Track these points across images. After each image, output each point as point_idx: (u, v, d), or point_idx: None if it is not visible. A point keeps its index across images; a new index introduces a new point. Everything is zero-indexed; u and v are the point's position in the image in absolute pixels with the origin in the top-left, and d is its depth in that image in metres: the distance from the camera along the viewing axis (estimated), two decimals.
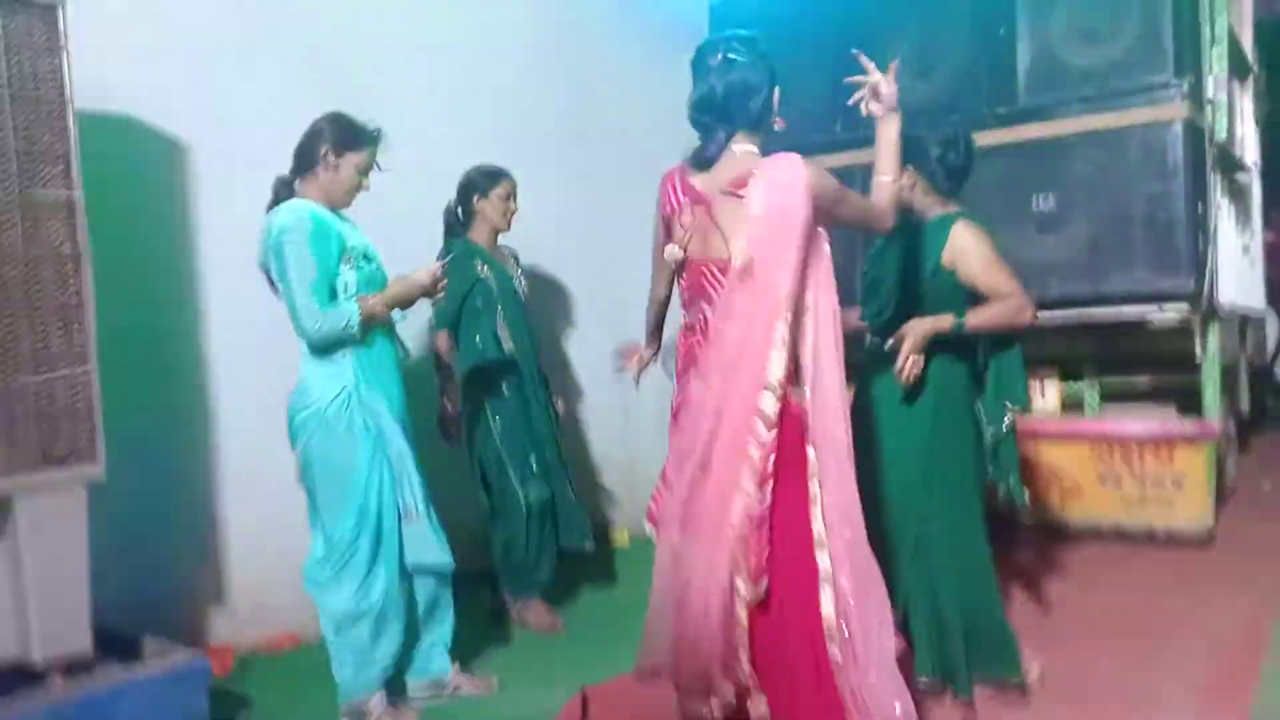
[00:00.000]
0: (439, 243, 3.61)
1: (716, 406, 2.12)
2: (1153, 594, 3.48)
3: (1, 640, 2.40)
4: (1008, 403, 2.71)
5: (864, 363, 2.81)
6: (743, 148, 2.22)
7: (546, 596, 3.68)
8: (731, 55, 2.19)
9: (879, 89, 2.30)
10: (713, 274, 2.21)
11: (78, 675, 2.47)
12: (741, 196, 2.14)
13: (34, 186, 2.35)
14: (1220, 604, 3.32)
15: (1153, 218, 3.86)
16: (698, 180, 2.24)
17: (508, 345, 3.57)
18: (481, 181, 3.64)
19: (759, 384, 2.08)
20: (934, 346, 2.64)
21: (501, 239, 3.72)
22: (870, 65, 2.31)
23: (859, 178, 4.56)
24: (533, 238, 4.00)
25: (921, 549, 2.66)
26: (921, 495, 2.66)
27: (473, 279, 3.53)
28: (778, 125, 2.28)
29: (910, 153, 2.66)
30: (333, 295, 2.69)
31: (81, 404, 2.42)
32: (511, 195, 3.66)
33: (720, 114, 2.20)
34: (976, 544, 2.69)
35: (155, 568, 3.21)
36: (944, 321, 2.61)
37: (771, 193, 2.11)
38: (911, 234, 2.73)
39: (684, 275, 2.30)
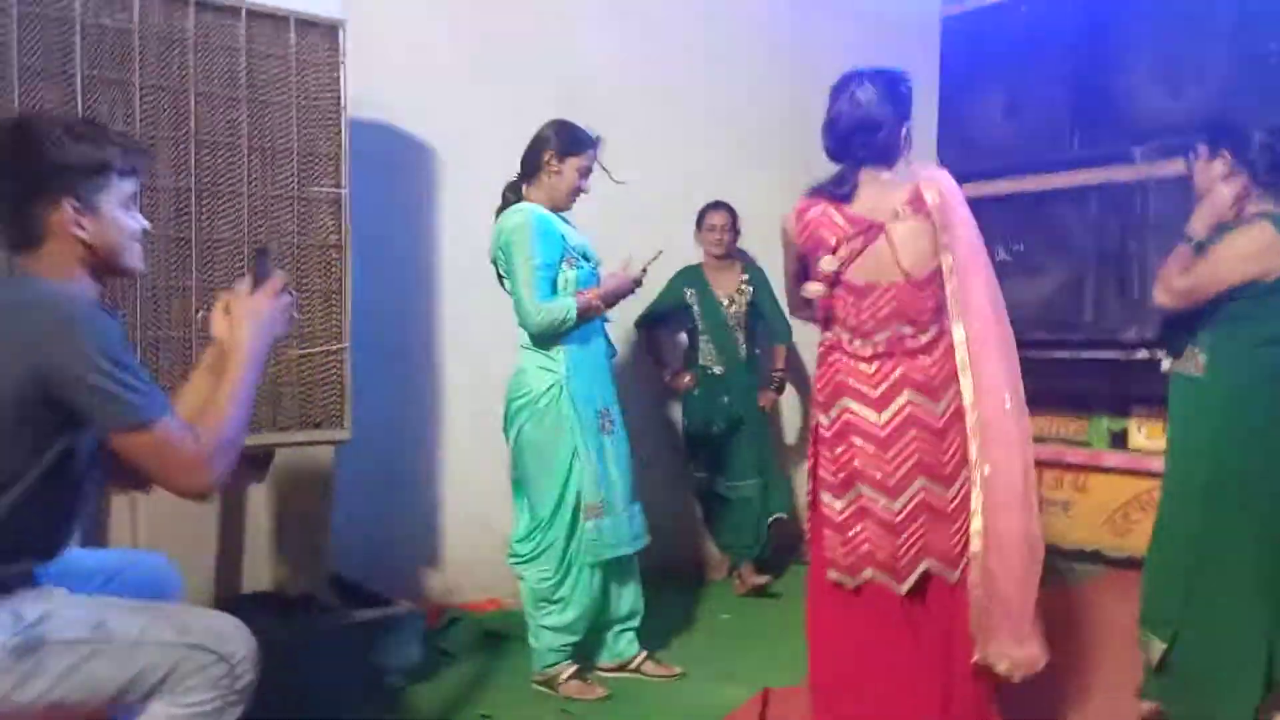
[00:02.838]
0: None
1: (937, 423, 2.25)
2: None
3: (257, 571, 2.78)
4: None
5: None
6: (878, 176, 2.30)
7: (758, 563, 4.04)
8: (862, 90, 2.27)
9: None
10: (884, 294, 2.27)
11: (314, 611, 2.80)
12: (925, 213, 2.22)
13: (309, 184, 2.70)
14: None
15: None
16: (855, 209, 2.30)
17: (712, 365, 4.08)
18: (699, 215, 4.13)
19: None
20: (1218, 363, 2.46)
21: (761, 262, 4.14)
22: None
23: (1093, 198, 4.36)
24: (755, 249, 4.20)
25: (1208, 566, 2.46)
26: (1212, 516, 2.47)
27: (679, 303, 4.08)
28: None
29: (1227, 136, 2.50)
30: (553, 291, 2.89)
31: (335, 376, 2.75)
32: (717, 227, 4.09)
33: (843, 142, 2.30)
34: None
35: (383, 528, 3.56)
36: None
37: (953, 196, 2.23)
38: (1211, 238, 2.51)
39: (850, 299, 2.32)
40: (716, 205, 4.11)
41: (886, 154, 2.31)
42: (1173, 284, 2.51)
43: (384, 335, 3.44)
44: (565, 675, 2.93)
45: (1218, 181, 2.50)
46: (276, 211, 2.64)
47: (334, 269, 2.74)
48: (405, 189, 3.68)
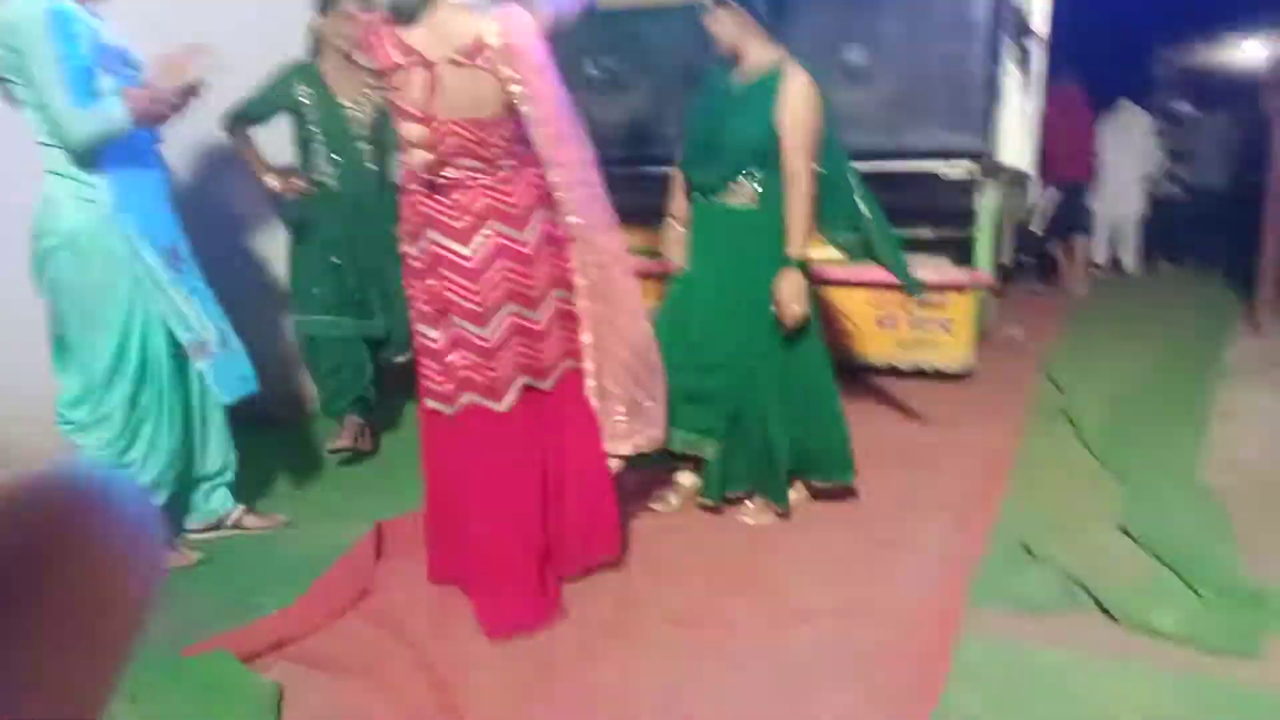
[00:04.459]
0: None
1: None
2: (920, 424, 3.82)
3: None
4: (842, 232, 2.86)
5: (694, 215, 2.85)
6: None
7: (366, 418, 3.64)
8: None
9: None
10: (443, 130, 2.18)
11: None
12: (485, 61, 2.14)
13: None
14: (976, 433, 3.70)
15: (950, 77, 3.98)
16: (415, 37, 2.16)
17: (328, 175, 3.40)
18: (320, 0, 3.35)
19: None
20: (768, 198, 2.69)
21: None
22: None
23: (677, 18, 4.43)
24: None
25: (760, 367, 2.77)
26: (763, 331, 2.75)
27: (289, 102, 3.34)
28: None
29: None
30: (93, 97, 2.34)
31: None
32: (354, 17, 3.22)
33: None
34: (820, 358, 2.86)
35: None
36: (796, 276, 2.66)
37: (525, 41, 2.15)
38: (744, 90, 2.69)
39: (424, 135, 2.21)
40: None
41: None
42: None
43: None
44: None
45: (730, 30, 2.66)
46: None
47: None
48: None
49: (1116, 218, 7.53)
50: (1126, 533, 2.74)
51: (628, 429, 2.43)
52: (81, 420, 2.52)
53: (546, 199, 2.28)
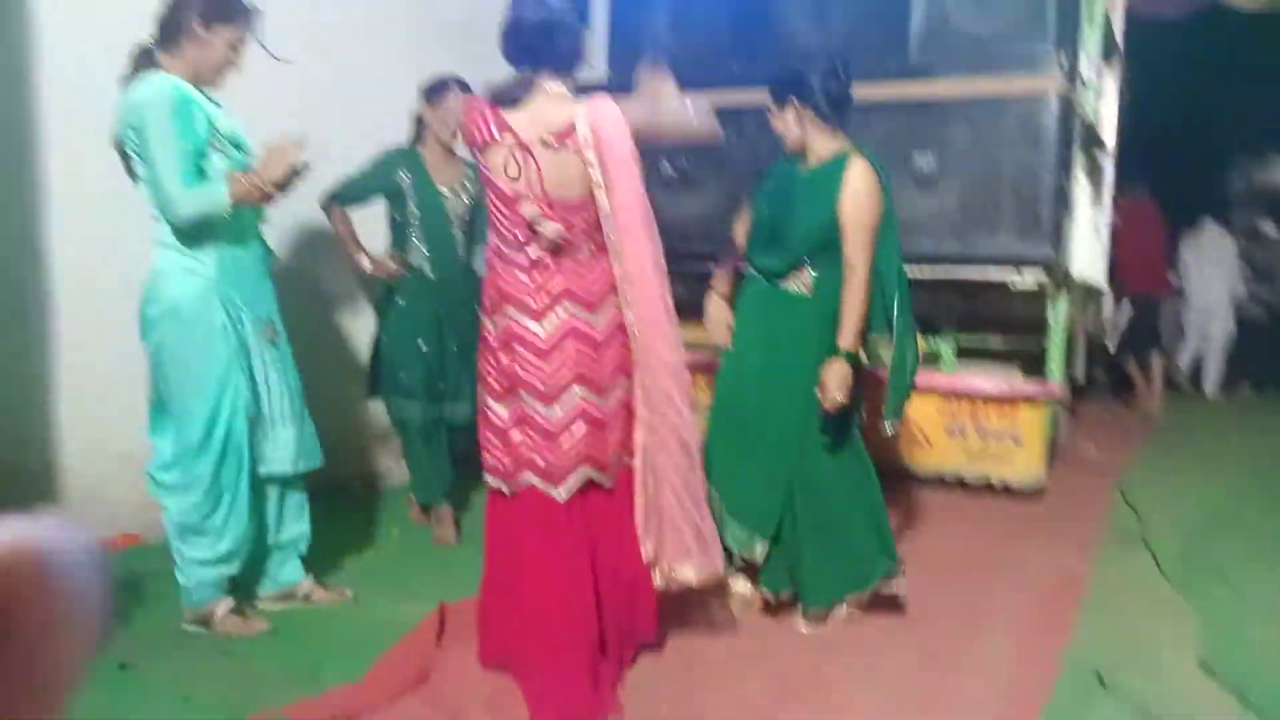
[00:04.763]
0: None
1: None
2: (986, 540, 3.72)
3: None
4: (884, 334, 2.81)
5: (748, 296, 2.90)
6: (549, 89, 2.28)
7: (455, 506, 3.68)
8: None
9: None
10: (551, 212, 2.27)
11: None
12: (575, 148, 2.23)
13: None
14: (1045, 553, 3.58)
15: (1020, 185, 4.02)
16: (515, 119, 2.27)
17: (420, 261, 3.50)
18: (427, 89, 3.52)
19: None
20: (824, 286, 2.73)
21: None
22: None
23: (748, 117, 4.58)
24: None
25: (803, 465, 2.77)
26: (807, 418, 2.74)
27: (389, 185, 3.47)
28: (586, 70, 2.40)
29: (792, 86, 2.75)
30: (201, 180, 2.51)
31: None
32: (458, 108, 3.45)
33: (526, 48, 2.26)
34: (861, 459, 2.84)
35: None
36: (843, 366, 2.65)
37: (613, 133, 2.23)
38: (809, 175, 2.77)
39: (508, 211, 2.30)
40: (460, 82, 3.48)
41: (568, 60, 2.31)
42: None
43: None
44: (221, 612, 2.68)
45: (794, 128, 2.78)
46: None
47: None
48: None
49: (1200, 338, 7.38)
50: (1207, 668, 2.62)
51: (678, 550, 2.40)
52: (170, 483, 2.62)
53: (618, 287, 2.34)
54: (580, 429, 2.31)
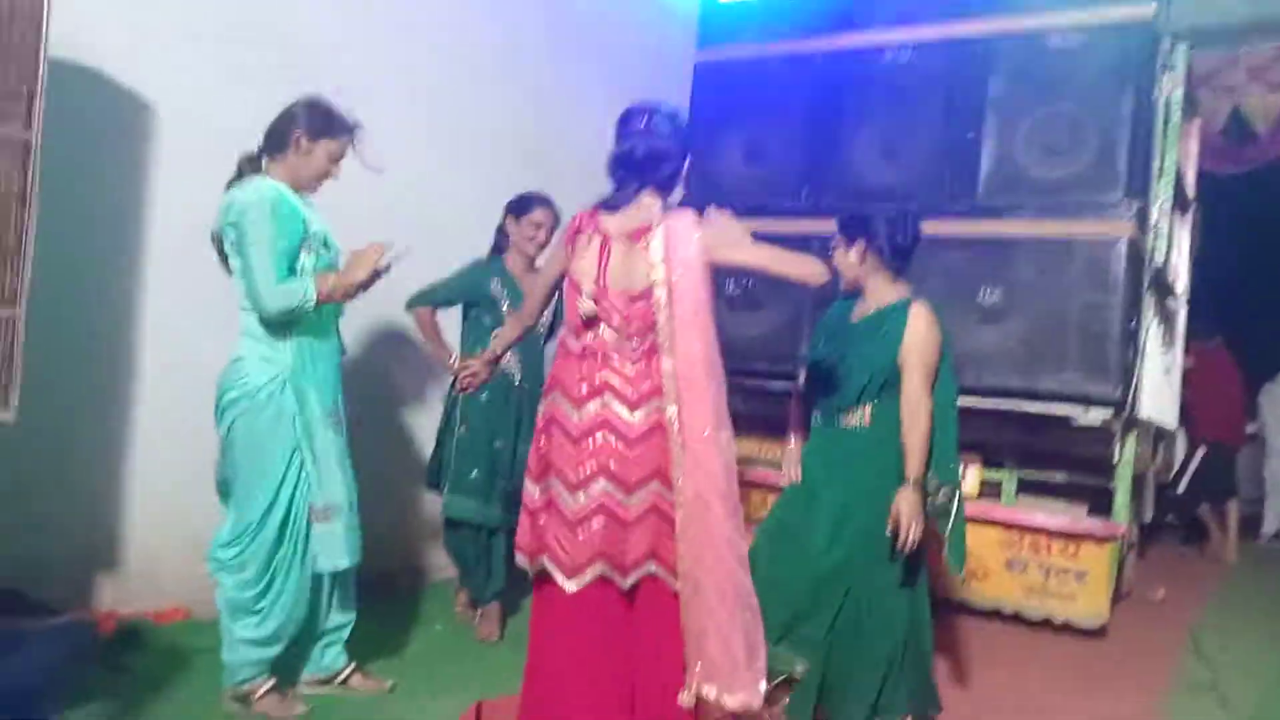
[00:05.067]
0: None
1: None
2: (1044, 680, 3.56)
3: None
4: (938, 478, 2.77)
5: (812, 433, 2.96)
6: (649, 200, 2.40)
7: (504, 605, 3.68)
8: (655, 123, 2.40)
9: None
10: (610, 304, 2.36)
11: None
12: (643, 245, 2.33)
13: None
14: (1109, 698, 3.41)
15: (1089, 325, 3.99)
16: (606, 220, 2.40)
17: (509, 364, 3.55)
18: (513, 204, 3.72)
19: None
20: (881, 415, 2.76)
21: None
22: None
23: (815, 246, 4.70)
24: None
25: (860, 593, 2.73)
26: (866, 548, 2.72)
27: (480, 292, 3.62)
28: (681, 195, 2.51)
29: (861, 228, 2.85)
30: (291, 275, 2.68)
31: (3, 347, 2.35)
32: (542, 226, 3.67)
33: (635, 172, 2.39)
34: (919, 591, 2.81)
35: (49, 524, 3.09)
36: (913, 494, 2.66)
37: (680, 239, 2.32)
38: (868, 320, 2.85)
39: (572, 299, 2.42)
40: (545, 200, 3.69)
41: (671, 184, 2.45)
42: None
43: (68, 305, 3.02)
44: (261, 691, 2.70)
45: (856, 267, 2.87)
46: None
47: (14, 222, 2.35)
48: (112, 144, 3.26)
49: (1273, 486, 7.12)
50: None
51: (727, 677, 2.25)
52: (227, 561, 2.68)
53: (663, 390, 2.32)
54: (599, 523, 2.29)
